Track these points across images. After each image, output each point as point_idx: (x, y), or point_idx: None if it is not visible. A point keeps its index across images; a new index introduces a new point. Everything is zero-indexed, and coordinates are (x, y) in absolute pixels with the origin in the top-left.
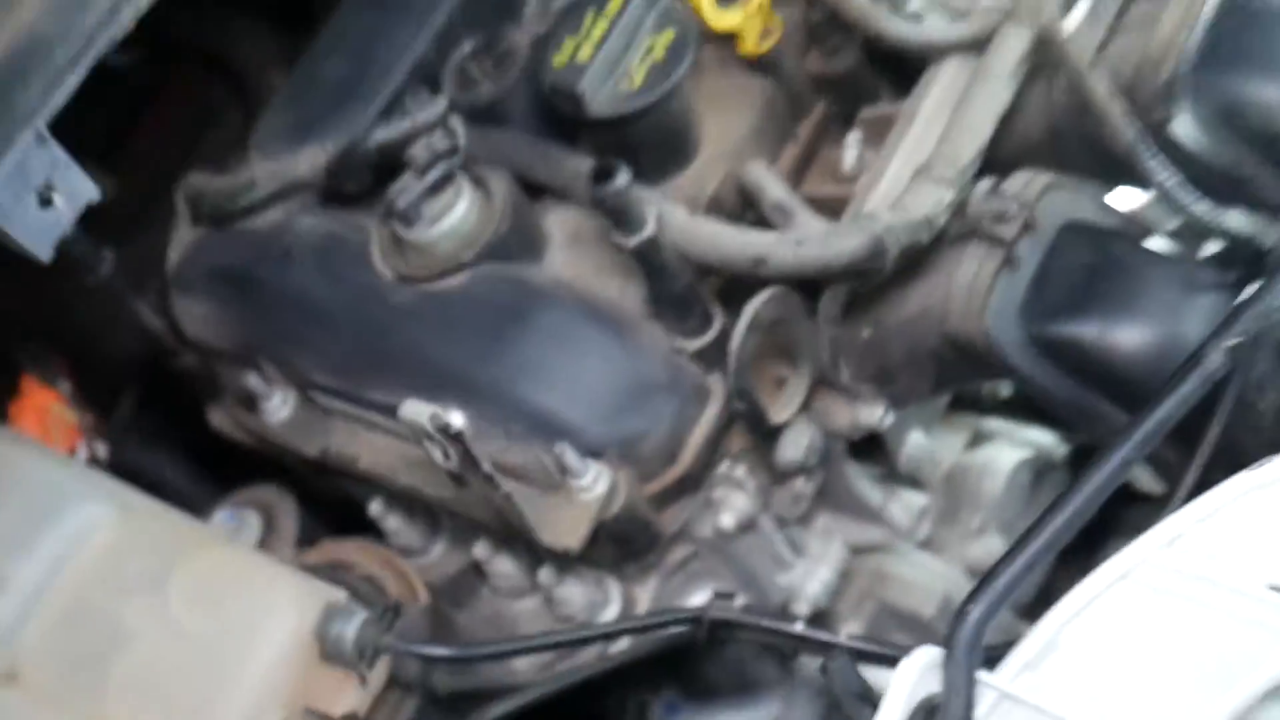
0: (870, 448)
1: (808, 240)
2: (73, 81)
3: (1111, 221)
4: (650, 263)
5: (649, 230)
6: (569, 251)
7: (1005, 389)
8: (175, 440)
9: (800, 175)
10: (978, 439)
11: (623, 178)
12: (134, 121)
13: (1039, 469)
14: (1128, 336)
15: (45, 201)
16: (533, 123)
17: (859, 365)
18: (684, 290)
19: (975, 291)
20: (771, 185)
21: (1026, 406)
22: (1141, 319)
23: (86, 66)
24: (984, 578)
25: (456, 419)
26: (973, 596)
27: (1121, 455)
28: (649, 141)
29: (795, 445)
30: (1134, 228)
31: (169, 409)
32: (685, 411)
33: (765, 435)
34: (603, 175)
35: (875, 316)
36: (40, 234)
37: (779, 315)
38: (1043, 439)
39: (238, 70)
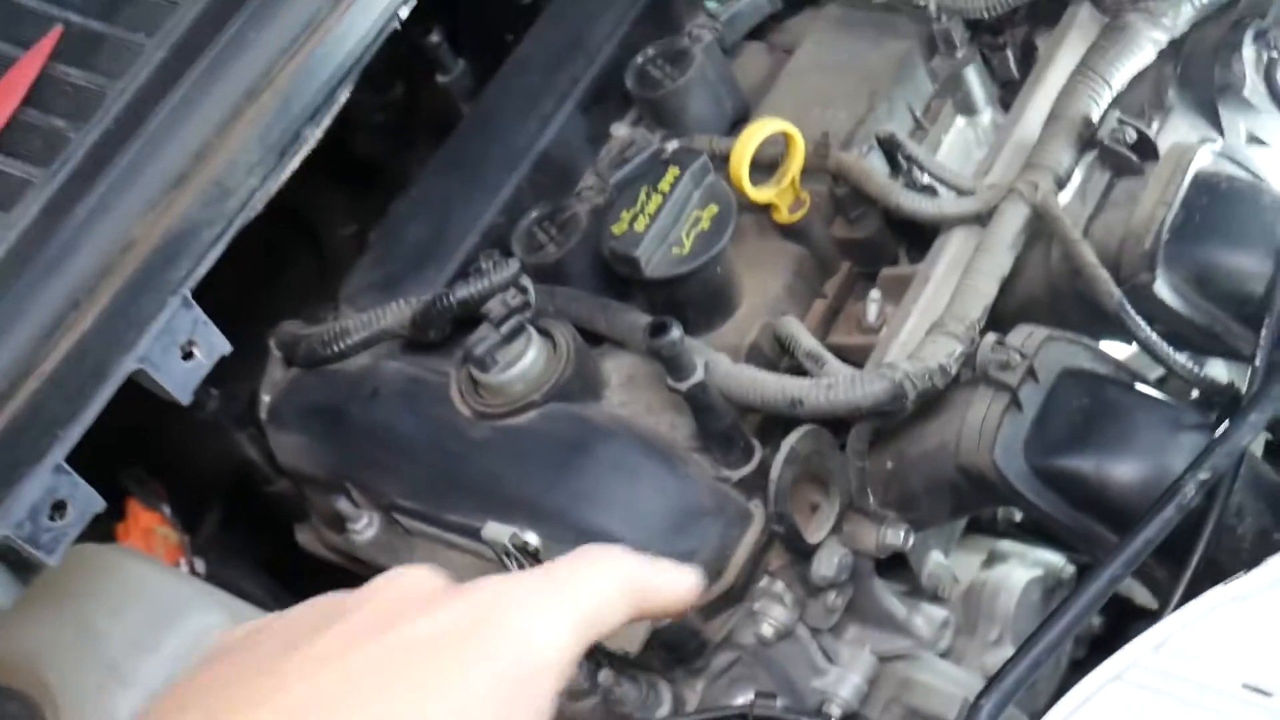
0: (895, 566)
1: (837, 385)
2: (213, 256)
3: (1105, 368)
4: (699, 403)
5: (698, 376)
6: (625, 392)
7: (1016, 514)
8: (255, 556)
9: (828, 326)
10: (992, 559)
11: (676, 332)
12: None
13: (1048, 586)
14: (1121, 470)
15: (187, 355)
16: (592, 282)
17: (884, 493)
18: (728, 427)
19: (985, 430)
20: (803, 336)
21: (1035, 530)
22: (1133, 455)
23: (225, 243)
24: (993, 677)
25: (533, 538)
26: (984, 693)
27: (1110, 572)
28: (696, 299)
29: (828, 563)
30: (1125, 374)
31: (250, 528)
32: (729, 533)
33: (801, 554)
34: (658, 330)
35: (897, 450)
36: (183, 382)
37: (813, 449)
38: (1051, 559)
39: (309, 220)
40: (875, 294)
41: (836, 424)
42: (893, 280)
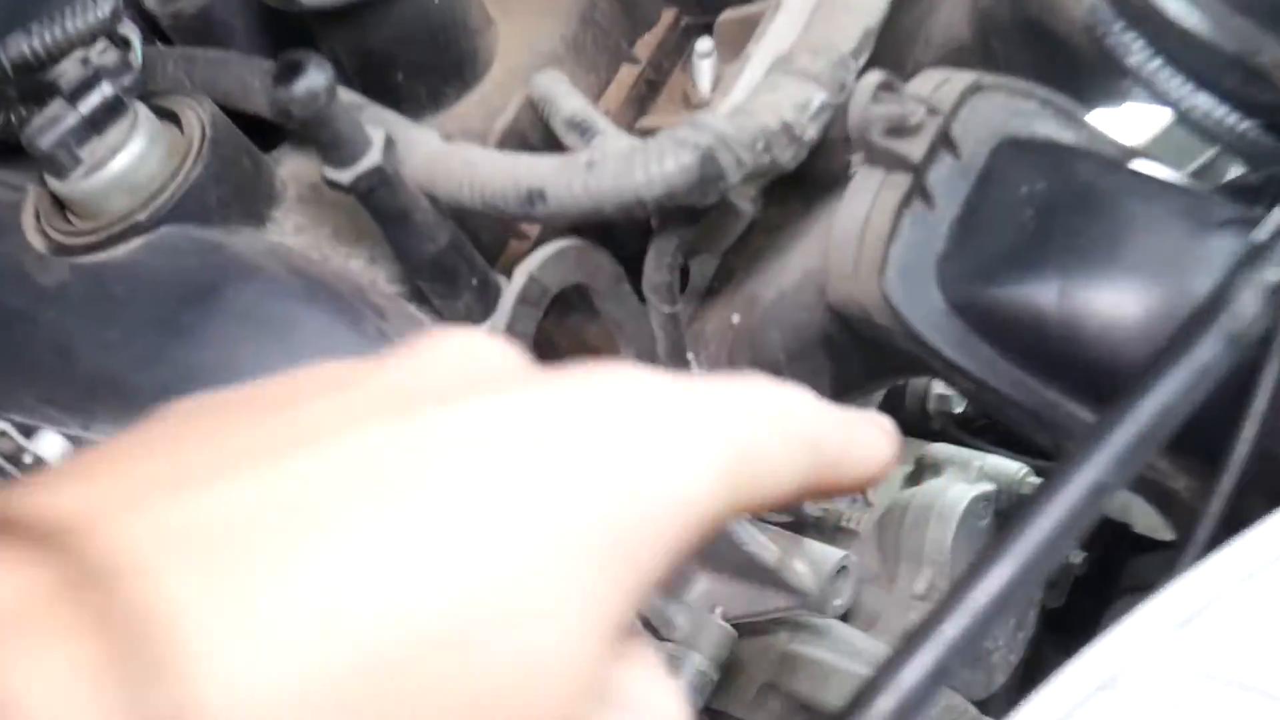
0: None
1: (602, 163)
2: None
3: (1071, 134)
4: (383, 209)
5: (371, 159)
6: (304, 212)
7: (948, 399)
8: None
9: (643, 104)
10: (919, 470)
11: (316, 76)
12: None
13: (1002, 507)
14: (1106, 301)
15: None
16: (258, 40)
17: (729, 366)
18: (440, 251)
19: (868, 240)
20: (566, 97)
21: (979, 424)
22: (1127, 274)
23: None
24: (901, 647)
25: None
26: (885, 671)
27: (1092, 474)
28: (407, 52)
29: None
30: (1106, 143)
31: None
32: None
33: None
34: (287, 73)
35: (745, 294)
36: None
37: (570, 279)
38: (1004, 466)
39: None
40: (706, 46)
41: (628, 245)
42: (735, 27)
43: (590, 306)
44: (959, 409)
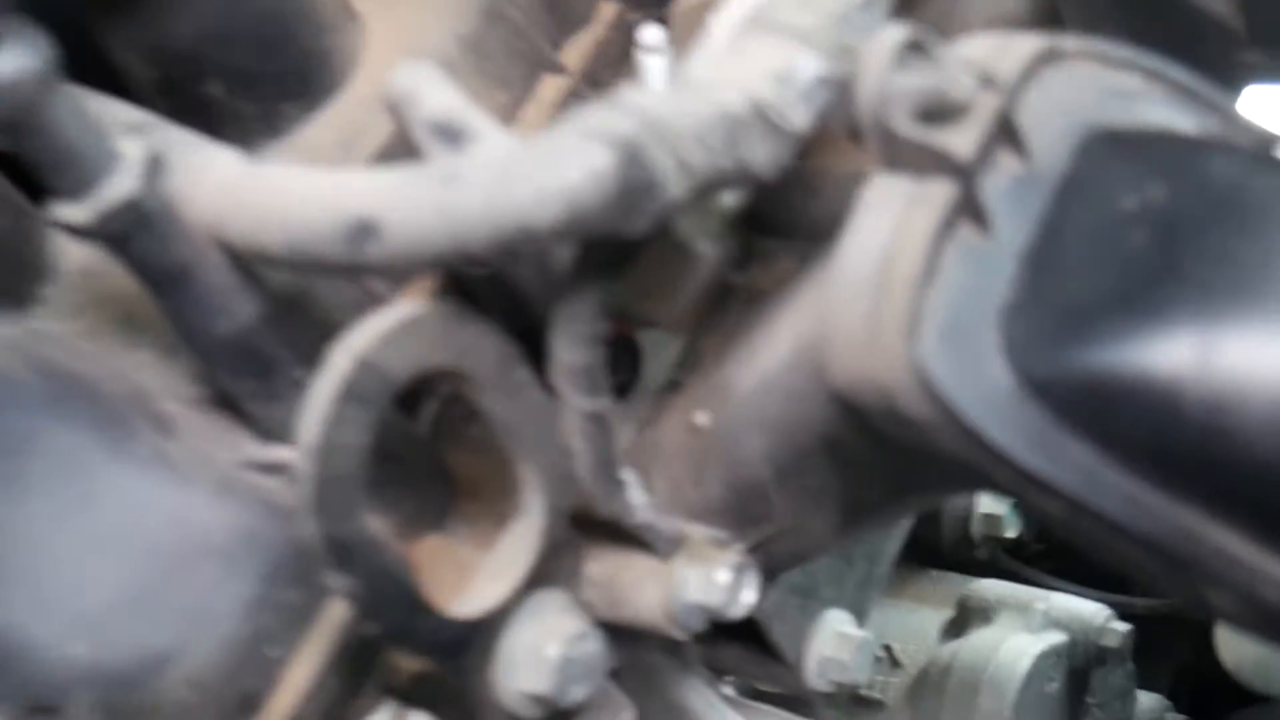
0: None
1: (468, 174)
2: None
3: (1201, 125)
4: (149, 264)
5: (120, 188)
6: (85, 288)
7: (1003, 524)
8: None
9: None
10: (965, 617)
11: (12, 55)
12: None
13: (1078, 664)
14: (1277, 360)
15: None
16: None
17: (696, 489)
18: (247, 330)
19: (891, 285)
20: (433, 91)
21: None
22: None
23: None
24: None
25: None
26: None
27: None
28: (221, 55)
29: (533, 672)
30: (1255, 137)
31: None
32: (261, 609)
33: (445, 652)
34: None
35: (717, 385)
36: None
37: (429, 363)
38: (1079, 608)
39: None
40: (656, 38)
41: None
42: (697, 15)
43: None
44: (1012, 532)
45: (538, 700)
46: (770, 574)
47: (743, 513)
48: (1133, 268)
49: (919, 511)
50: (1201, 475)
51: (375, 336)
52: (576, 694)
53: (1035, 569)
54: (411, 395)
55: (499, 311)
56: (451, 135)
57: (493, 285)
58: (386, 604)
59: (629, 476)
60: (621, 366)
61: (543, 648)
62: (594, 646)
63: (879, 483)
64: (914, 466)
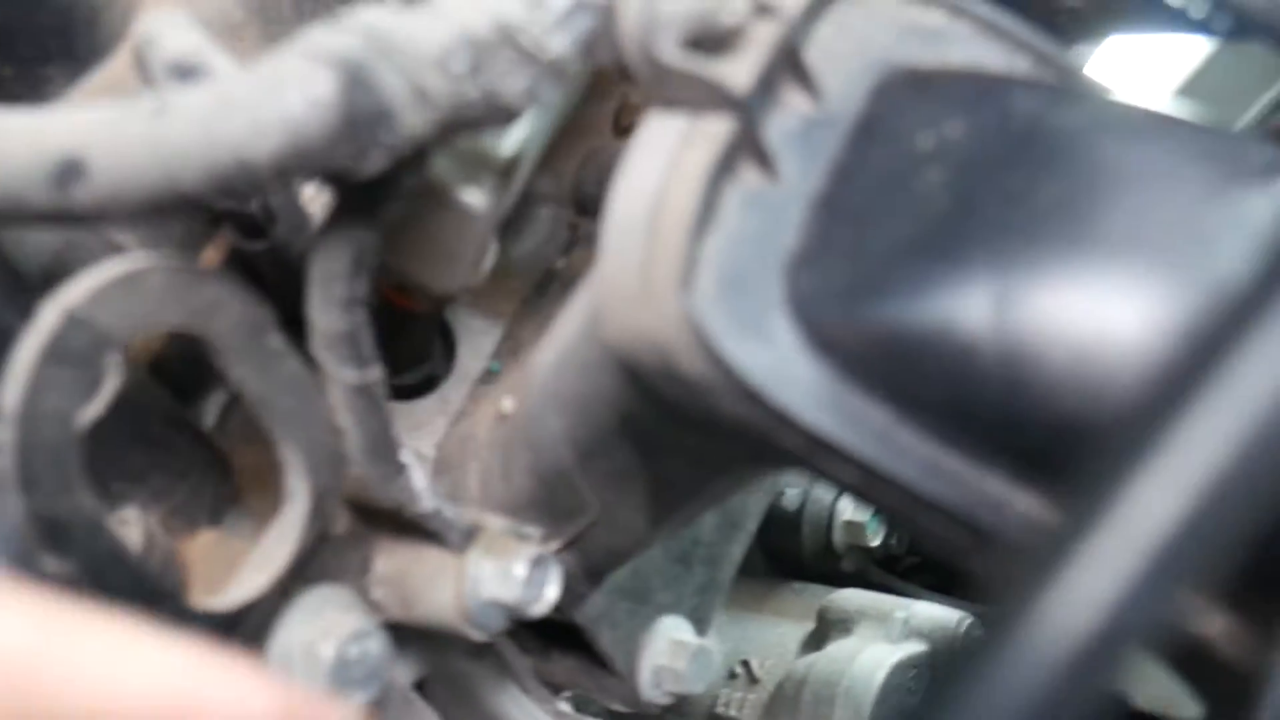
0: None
1: (180, 108)
2: None
3: (1013, 67)
4: None
5: None
6: None
7: (872, 529)
8: None
9: None
10: (824, 628)
11: None
12: None
13: (939, 672)
14: (1076, 311)
15: None
16: None
17: (504, 479)
18: None
19: (662, 231)
20: (176, 34)
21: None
22: (1110, 260)
23: None
24: None
25: None
26: None
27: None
28: None
29: (301, 675)
30: (1078, 83)
31: None
32: None
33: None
34: None
35: (526, 368)
36: None
37: (158, 321)
38: (942, 617)
39: None
40: None
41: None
42: None
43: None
44: (876, 540)
45: None
46: (594, 575)
47: (552, 505)
48: (928, 213)
49: (732, 494)
50: (1003, 436)
51: (88, 291)
52: (359, 698)
53: (910, 583)
54: (196, 385)
55: (283, 290)
56: (185, 74)
57: (276, 261)
58: (112, 591)
59: (409, 459)
60: (433, 357)
61: (316, 647)
62: (375, 647)
63: (681, 462)
64: (712, 441)
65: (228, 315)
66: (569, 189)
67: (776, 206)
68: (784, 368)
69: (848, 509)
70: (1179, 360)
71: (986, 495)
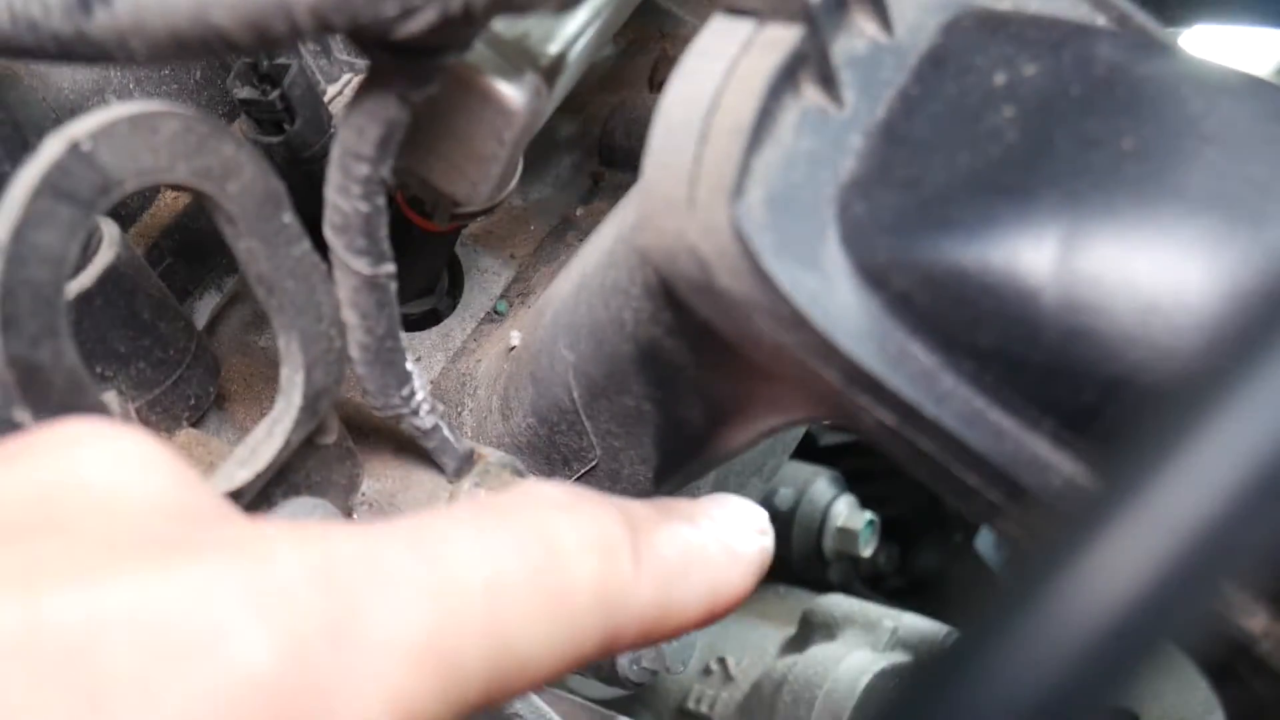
0: None
1: None
2: None
3: (1094, 18)
4: None
5: None
6: None
7: (864, 538)
8: None
9: None
10: (807, 631)
11: None
12: None
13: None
14: (1147, 264)
15: None
16: None
17: (502, 420)
18: None
19: (715, 136)
20: None
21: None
22: (1185, 214)
23: None
24: None
25: None
26: None
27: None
28: None
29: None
30: (1144, 34)
31: None
32: None
33: None
34: None
35: (537, 305)
36: None
37: (166, 172)
38: (928, 630)
39: None
40: None
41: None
42: None
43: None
44: (868, 551)
45: None
46: None
47: (551, 448)
48: (996, 149)
49: (744, 449)
50: (1055, 390)
51: (97, 125)
52: None
53: (892, 602)
54: (191, 283)
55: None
56: None
57: (291, 160)
58: None
59: (413, 368)
60: (439, 291)
61: None
62: None
63: (696, 407)
64: (735, 383)
65: (243, 180)
66: (596, 137)
67: (835, 129)
68: (829, 295)
69: (842, 514)
70: (1248, 326)
71: (1030, 453)
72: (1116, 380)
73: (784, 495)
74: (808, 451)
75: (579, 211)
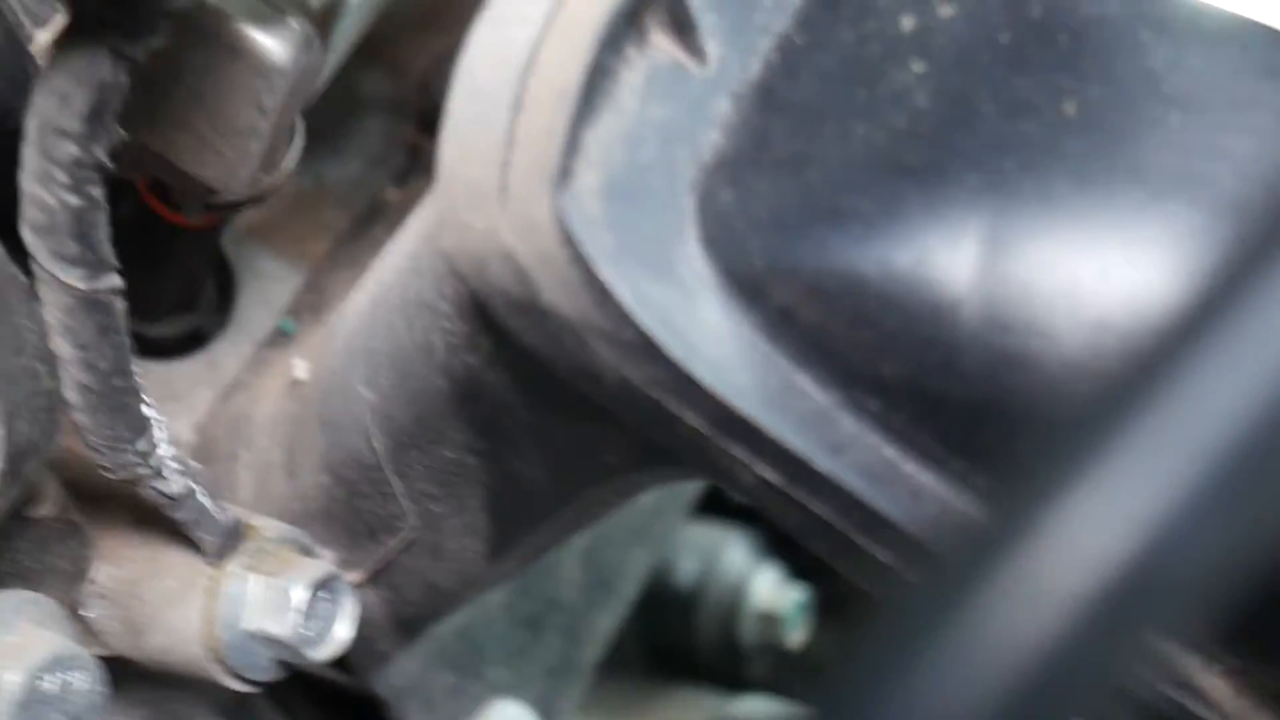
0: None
1: None
2: None
3: None
4: None
5: None
6: None
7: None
8: None
9: None
10: None
11: None
12: None
13: None
14: (1087, 262)
15: None
16: None
17: (286, 475)
18: None
19: (529, 112)
20: None
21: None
22: (1135, 191)
23: None
24: None
25: None
26: None
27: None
28: None
29: None
30: None
31: None
32: None
33: None
34: None
35: (329, 324)
36: None
37: None
38: None
39: None
40: None
41: None
42: None
43: None
44: (797, 638)
45: None
46: (406, 626)
47: (352, 514)
48: (904, 118)
49: (601, 514)
50: (983, 434)
51: None
52: None
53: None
54: None
55: None
56: None
57: None
58: None
59: (152, 413)
60: (202, 304)
61: None
62: (83, 683)
63: (534, 456)
64: (580, 424)
65: None
66: (413, 96)
67: (695, 92)
68: (688, 313)
69: (761, 593)
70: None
71: (958, 517)
72: (1059, 416)
73: (685, 569)
74: (717, 505)
75: (391, 194)
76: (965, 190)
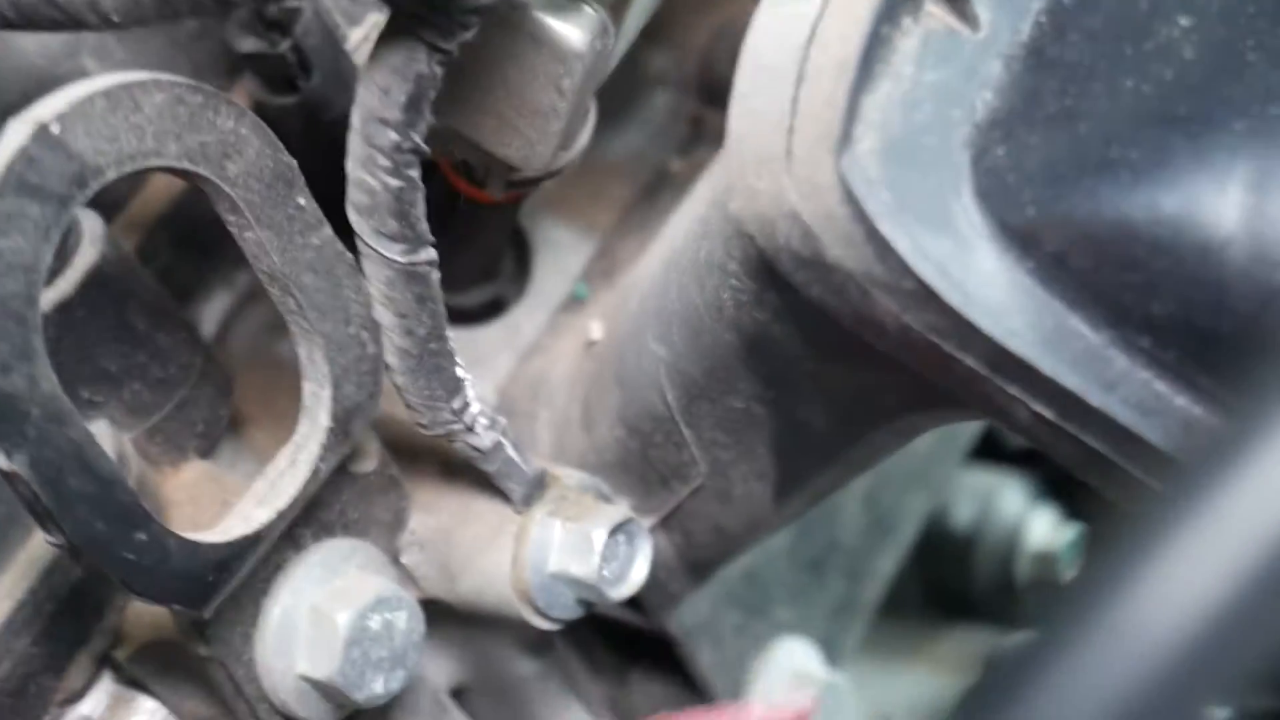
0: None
1: None
2: None
3: None
4: None
5: None
6: None
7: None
8: None
9: None
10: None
11: None
12: None
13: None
14: None
15: None
16: None
17: (583, 430)
18: None
19: (814, 78)
20: None
21: None
22: None
23: None
24: None
25: None
26: None
27: None
28: None
29: (308, 650)
30: None
31: None
32: None
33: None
34: None
35: (621, 289)
36: None
37: (139, 150)
38: None
39: None
40: None
41: None
42: None
43: None
44: (1071, 574)
45: (320, 689)
46: (696, 568)
47: (646, 464)
48: (1170, 72)
49: (883, 456)
50: (1249, 361)
51: (68, 104)
52: (377, 688)
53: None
54: (194, 283)
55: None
56: None
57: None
58: (72, 501)
59: (466, 375)
60: (502, 274)
61: (328, 612)
62: (405, 622)
63: (817, 405)
64: (861, 373)
65: (245, 158)
66: (694, 71)
67: (968, 56)
68: (965, 263)
69: (1037, 533)
70: None
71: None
72: None
73: (960, 512)
74: (992, 451)
75: (676, 164)
76: (1232, 136)
